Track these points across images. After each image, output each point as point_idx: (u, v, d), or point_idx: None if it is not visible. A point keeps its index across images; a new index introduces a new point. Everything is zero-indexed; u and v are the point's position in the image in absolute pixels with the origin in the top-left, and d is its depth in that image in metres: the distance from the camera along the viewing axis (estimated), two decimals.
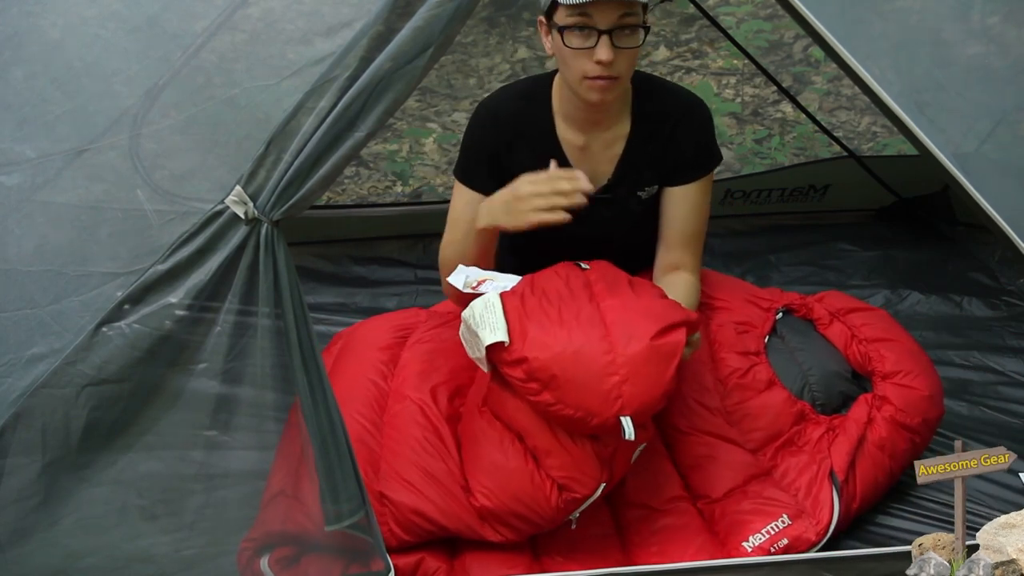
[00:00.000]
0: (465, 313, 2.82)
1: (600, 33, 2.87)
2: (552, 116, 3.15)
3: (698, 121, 3.18)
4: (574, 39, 2.90)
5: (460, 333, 2.86)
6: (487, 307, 2.80)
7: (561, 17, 2.88)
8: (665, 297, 2.91)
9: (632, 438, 2.70)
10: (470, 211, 3.16)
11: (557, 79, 3.13)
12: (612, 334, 2.74)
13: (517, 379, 2.74)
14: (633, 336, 2.73)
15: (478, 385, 2.99)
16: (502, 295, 2.83)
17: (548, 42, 2.99)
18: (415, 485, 2.86)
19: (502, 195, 2.95)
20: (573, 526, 2.88)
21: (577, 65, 2.94)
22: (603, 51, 2.88)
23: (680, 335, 2.76)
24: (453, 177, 3.26)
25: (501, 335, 2.73)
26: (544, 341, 2.73)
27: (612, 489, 2.89)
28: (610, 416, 2.69)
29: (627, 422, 2.69)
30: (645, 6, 2.90)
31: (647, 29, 2.94)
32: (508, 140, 3.14)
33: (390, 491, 2.86)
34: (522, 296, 2.84)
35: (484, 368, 2.83)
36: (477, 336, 2.76)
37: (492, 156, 3.14)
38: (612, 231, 3.21)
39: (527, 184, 2.90)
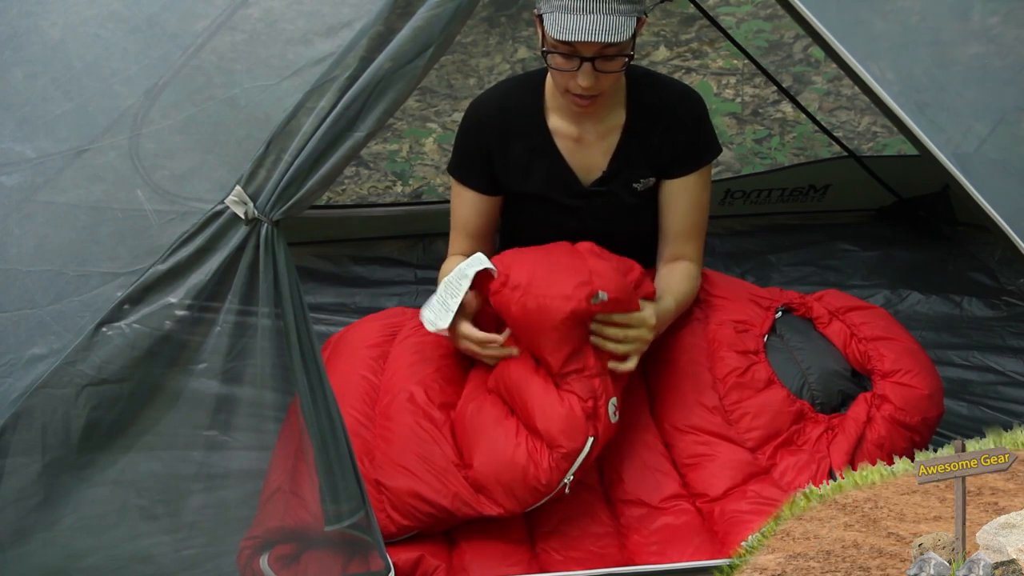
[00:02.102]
0: (450, 276, 3.02)
1: (583, 60, 2.90)
2: (544, 109, 3.17)
3: (693, 113, 3.19)
4: (559, 60, 2.95)
5: (422, 315, 3.04)
6: (474, 258, 3.01)
7: (548, 36, 2.92)
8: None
9: (604, 299, 2.84)
10: (469, 213, 3.18)
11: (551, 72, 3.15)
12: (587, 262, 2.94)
13: (499, 295, 2.91)
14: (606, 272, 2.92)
15: (475, 376, 3.04)
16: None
17: (540, 39, 3.02)
18: (410, 469, 2.87)
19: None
20: (567, 490, 2.88)
21: (561, 79, 3.00)
22: (584, 78, 2.94)
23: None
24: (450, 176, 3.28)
25: (488, 263, 2.95)
26: (522, 258, 2.95)
27: (603, 444, 2.92)
28: (583, 297, 2.84)
29: (600, 294, 2.85)
30: (634, 38, 2.95)
31: (631, 56, 2.98)
32: (501, 136, 3.16)
33: (385, 478, 2.87)
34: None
35: (447, 334, 3.01)
36: (464, 279, 2.95)
37: (485, 153, 3.16)
38: (608, 224, 3.22)
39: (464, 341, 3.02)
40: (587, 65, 2.91)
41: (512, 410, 2.93)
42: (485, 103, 3.25)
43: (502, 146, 3.16)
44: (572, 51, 2.91)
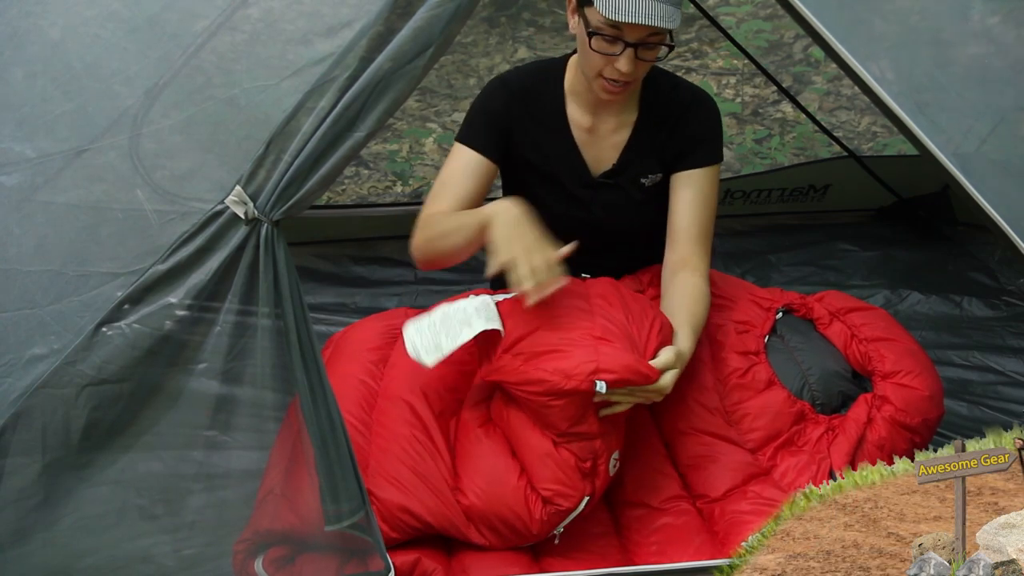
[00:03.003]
0: (449, 307, 2.89)
1: (627, 45, 2.91)
2: (563, 96, 3.20)
3: (704, 113, 3.21)
4: (602, 44, 2.95)
5: (407, 334, 2.87)
6: (483, 304, 2.86)
7: (594, 17, 2.92)
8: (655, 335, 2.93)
9: (603, 390, 2.71)
10: (464, 172, 3.13)
11: (573, 59, 3.17)
12: (599, 334, 2.80)
13: (499, 366, 2.79)
14: (615, 351, 2.77)
15: (476, 389, 3.00)
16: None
17: (573, 22, 3.03)
18: (403, 483, 2.85)
19: (528, 235, 2.84)
20: (556, 541, 2.88)
21: (596, 63, 3.00)
22: (624, 63, 2.94)
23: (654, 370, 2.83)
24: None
25: (497, 324, 2.80)
26: (531, 315, 2.81)
27: (599, 497, 2.90)
28: (583, 378, 2.71)
29: (601, 385, 2.71)
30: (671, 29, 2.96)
31: (671, 47, 3.00)
32: (520, 114, 3.17)
33: (377, 489, 2.85)
34: (513, 298, 2.90)
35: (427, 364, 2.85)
36: (468, 324, 2.80)
37: (503, 126, 3.16)
38: (614, 217, 3.24)
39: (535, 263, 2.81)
40: (629, 50, 2.93)
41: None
42: (511, 78, 3.26)
43: (521, 120, 3.17)
44: (618, 35, 2.91)
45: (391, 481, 2.86)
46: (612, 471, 2.89)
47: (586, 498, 2.83)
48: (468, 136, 3.17)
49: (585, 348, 2.77)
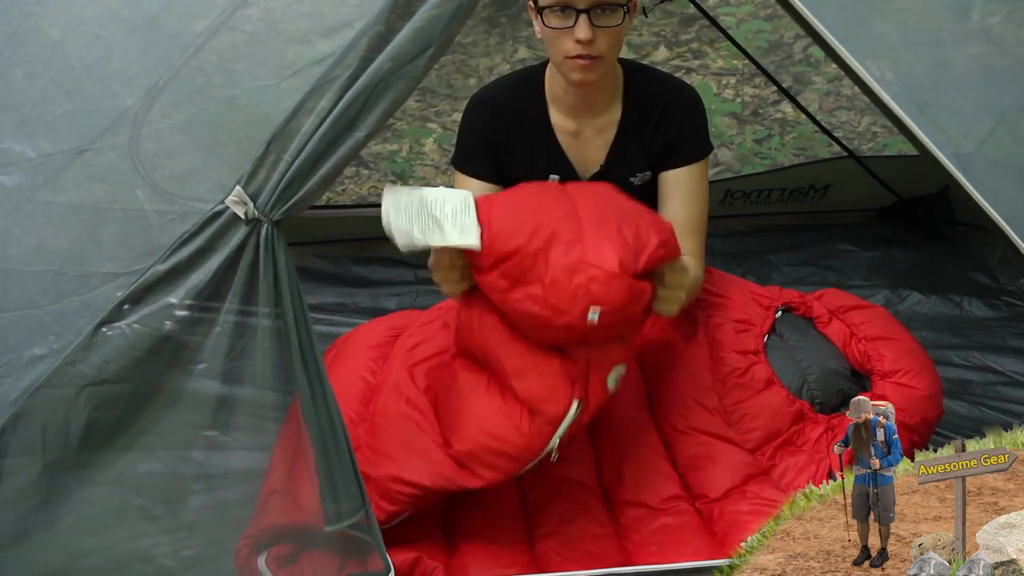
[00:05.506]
0: (428, 192, 2.70)
1: (579, 12, 2.92)
2: (545, 103, 3.20)
3: (687, 104, 3.21)
4: (554, 19, 2.97)
5: (385, 208, 2.70)
6: (463, 205, 2.71)
7: None
8: (641, 211, 2.83)
9: (595, 319, 2.61)
10: None
11: (550, 65, 3.16)
12: (585, 233, 2.68)
13: (485, 281, 2.71)
14: (605, 252, 2.64)
15: (448, 347, 2.99)
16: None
17: (537, 25, 3.04)
18: (392, 456, 2.85)
19: None
20: (554, 457, 2.80)
21: (559, 45, 3.00)
22: (581, 30, 2.94)
23: (647, 286, 2.71)
24: (453, 169, 3.27)
25: (473, 240, 2.65)
26: (513, 229, 2.67)
27: (594, 412, 2.81)
28: (576, 314, 2.63)
29: (593, 311, 2.61)
30: None
31: (628, 9, 2.98)
32: (505, 128, 3.18)
33: (370, 467, 2.82)
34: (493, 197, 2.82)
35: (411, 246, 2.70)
36: (440, 226, 2.66)
37: (491, 142, 3.18)
38: None
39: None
40: (583, 17, 2.93)
41: (488, 375, 2.82)
42: (488, 95, 3.26)
43: (506, 137, 3.18)
44: (567, 2, 2.93)
45: (381, 456, 2.84)
46: (612, 387, 2.80)
47: (576, 402, 2.75)
48: (465, 164, 3.21)
49: (575, 271, 2.62)
